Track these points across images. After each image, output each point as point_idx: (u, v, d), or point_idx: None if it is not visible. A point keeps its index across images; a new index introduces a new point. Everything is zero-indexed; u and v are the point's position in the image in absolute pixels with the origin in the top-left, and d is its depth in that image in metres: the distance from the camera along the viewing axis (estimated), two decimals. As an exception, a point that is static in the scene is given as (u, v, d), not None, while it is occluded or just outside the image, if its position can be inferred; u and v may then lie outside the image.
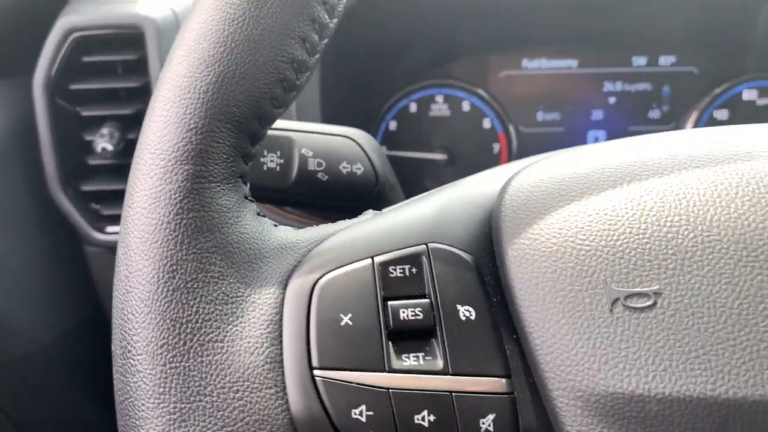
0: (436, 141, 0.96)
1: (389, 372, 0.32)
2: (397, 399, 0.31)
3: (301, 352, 0.32)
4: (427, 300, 0.33)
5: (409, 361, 0.32)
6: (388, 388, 0.31)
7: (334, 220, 0.38)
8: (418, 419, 0.31)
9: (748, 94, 0.92)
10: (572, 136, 0.95)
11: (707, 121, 0.93)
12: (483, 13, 0.90)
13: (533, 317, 0.32)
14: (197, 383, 0.31)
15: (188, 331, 0.32)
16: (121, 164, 0.78)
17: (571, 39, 0.93)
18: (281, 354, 0.32)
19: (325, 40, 0.37)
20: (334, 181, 0.52)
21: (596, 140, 0.96)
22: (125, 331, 0.32)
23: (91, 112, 0.77)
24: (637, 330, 0.30)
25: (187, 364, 0.31)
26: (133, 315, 0.32)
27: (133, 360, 0.32)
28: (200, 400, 0.31)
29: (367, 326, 0.33)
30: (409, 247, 0.35)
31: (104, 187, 0.79)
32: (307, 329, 0.32)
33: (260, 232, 0.35)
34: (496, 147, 0.95)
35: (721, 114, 0.93)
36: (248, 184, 0.37)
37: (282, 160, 0.51)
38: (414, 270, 0.34)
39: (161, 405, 0.31)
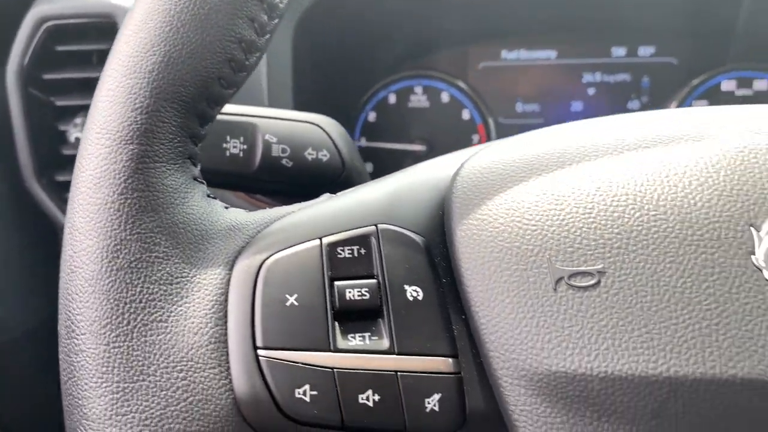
0: (415, 132, 0.95)
1: (334, 352, 0.32)
2: (342, 379, 0.31)
3: (246, 332, 0.32)
4: (374, 280, 0.33)
5: (355, 341, 0.32)
6: (332, 368, 0.31)
7: None
8: (362, 399, 0.31)
9: (727, 85, 0.92)
10: (552, 128, 0.95)
11: (686, 112, 0.93)
12: (462, 4, 0.90)
13: (479, 296, 0.32)
14: (140, 363, 0.31)
15: (132, 310, 0.31)
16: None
17: (549, 30, 0.93)
18: (225, 334, 0.32)
19: (276, 21, 0.37)
20: (299, 168, 0.52)
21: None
22: (69, 311, 0.32)
23: (65, 102, 0.77)
24: (581, 309, 0.30)
25: (130, 344, 0.31)
26: (77, 294, 0.32)
27: (77, 339, 0.32)
28: (143, 380, 0.31)
29: (312, 306, 0.32)
30: (359, 228, 0.35)
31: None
32: (252, 309, 0.32)
33: (208, 213, 0.35)
34: (476, 138, 0.95)
35: (701, 105, 0.93)
36: (198, 166, 0.36)
37: (245, 146, 0.50)
38: (363, 251, 0.34)
39: (104, 384, 0.31)
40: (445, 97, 0.95)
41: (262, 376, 0.31)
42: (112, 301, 0.31)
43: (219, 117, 0.50)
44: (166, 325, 0.32)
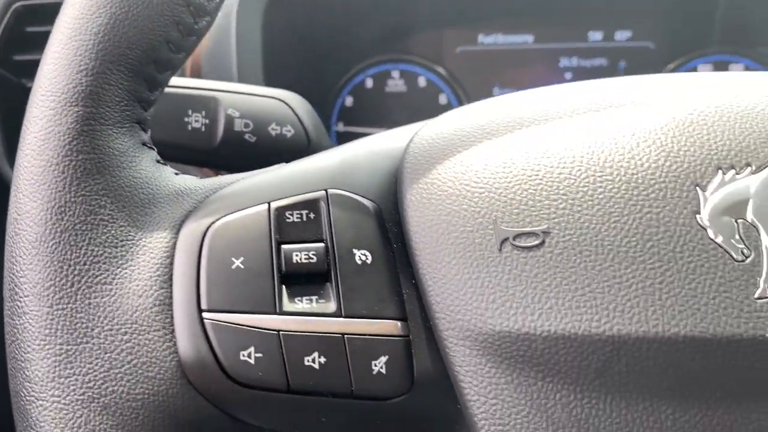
0: (392, 117, 0.95)
1: (280, 314, 0.32)
2: (287, 341, 0.31)
3: (190, 295, 0.32)
4: (322, 244, 0.33)
5: (302, 304, 0.32)
6: (278, 330, 0.31)
7: None
8: (308, 361, 0.31)
9: (703, 69, 0.92)
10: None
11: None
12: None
13: (427, 259, 0.32)
14: (84, 325, 0.31)
15: (76, 272, 0.31)
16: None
17: (526, 14, 0.93)
18: (171, 297, 0.32)
19: None
20: (263, 144, 0.52)
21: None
22: (13, 273, 0.32)
23: (36, 84, 0.76)
24: (525, 269, 0.30)
25: (74, 306, 0.31)
26: (21, 257, 0.32)
27: (20, 302, 0.31)
28: (87, 342, 0.31)
29: (259, 269, 0.32)
30: (309, 192, 0.34)
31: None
32: (198, 272, 0.32)
33: (156, 178, 0.35)
34: (453, 123, 0.95)
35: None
36: (148, 132, 0.36)
37: (207, 120, 0.50)
38: (312, 215, 0.34)
39: (47, 347, 0.30)
40: (422, 82, 0.95)
41: (207, 339, 0.31)
42: (55, 263, 0.31)
43: (180, 90, 0.50)
44: (110, 287, 0.31)
